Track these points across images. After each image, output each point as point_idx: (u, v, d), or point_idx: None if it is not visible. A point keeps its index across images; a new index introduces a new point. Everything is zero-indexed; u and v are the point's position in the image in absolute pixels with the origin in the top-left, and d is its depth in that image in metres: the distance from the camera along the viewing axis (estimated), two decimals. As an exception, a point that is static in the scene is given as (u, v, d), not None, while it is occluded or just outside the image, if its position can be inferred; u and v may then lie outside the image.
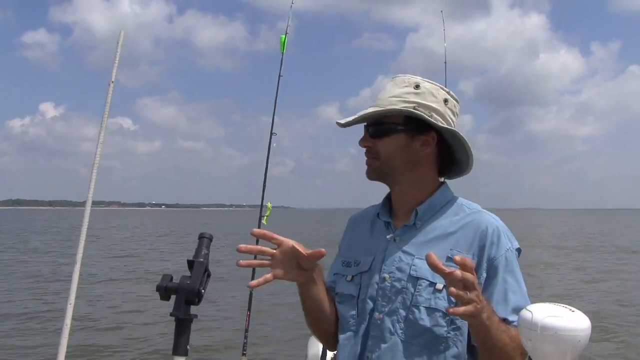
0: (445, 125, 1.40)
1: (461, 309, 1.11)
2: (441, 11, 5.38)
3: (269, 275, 1.34)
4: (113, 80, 1.19)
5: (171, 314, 1.18)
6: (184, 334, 1.18)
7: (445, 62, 4.94)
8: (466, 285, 1.10)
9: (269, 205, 3.74)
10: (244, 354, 3.62)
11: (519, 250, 1.40)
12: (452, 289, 1.10)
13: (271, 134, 3.98)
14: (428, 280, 1.33)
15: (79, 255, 1.09)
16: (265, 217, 3.72)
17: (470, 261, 1.12)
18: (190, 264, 1.23)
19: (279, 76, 4.05)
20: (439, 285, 1.31)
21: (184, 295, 1.18)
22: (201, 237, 1.27)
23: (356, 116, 1.43)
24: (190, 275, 1.21)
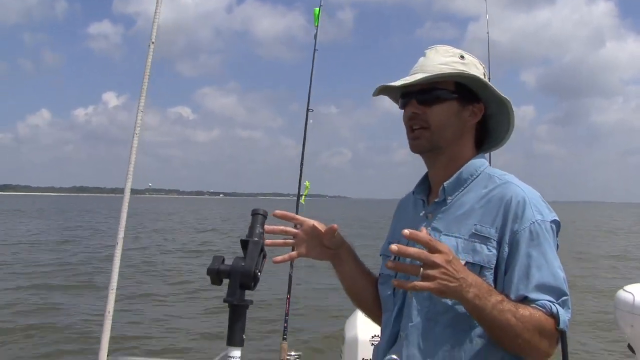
0: (501, 94, 1.36)
1: (409, 283, 1.11)
2: None
3: (293, 253, 1.46)
4: (153, 40, 1.07)
5: (225, 300, 1.05)
6: (238, 322, 1.05)
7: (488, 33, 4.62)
8: (425, 262, 1.10)
9: (307, 184, 3.66)
10: (284, 339, 3.49)
11: (555, 223, 1.30)
12: (388, 262, 1.14)
13: (307, 110, 3.81)
14: None
15: (120, 242, 0.98)
16: (303, 197, 3.63)
17: (424, 235, 1.12)
18: (244, 244, 1.09)
19: (314, 50, 3.88)
20: (461, 262, 1.24)
21: (238, 278, 1.05)
22: (255, 213, 1.13)
23: (412, 80, 1.33)
24: (244, 256, 1.08)
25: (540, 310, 1.21)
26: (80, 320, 8.46)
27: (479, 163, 1.41)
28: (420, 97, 1.37)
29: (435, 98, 1.35)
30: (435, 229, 1.36)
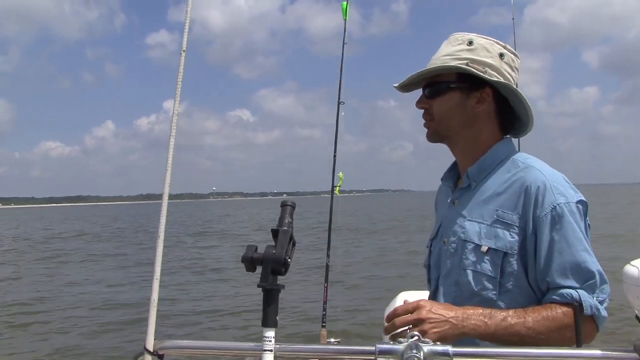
0: (500, 79, 1.35)
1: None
2: None
3: None
4: (184, 49, 1.16)
5: (258, 285, 1.14)
6: (272, 305, 1.13)
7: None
8: (411, 323, 1.20)
9: (341, 175, 3.74)
10: (323, 326, 3.57)
11: (581, 203, 1.28)
12: (386, 325, 1.24)
13: (339, 103, 3.85)
14: (474, 243, 1.31)
15: (161, 234, 1.09)
16: (337, 187, 3.71)
17: (391, 311, 1.22)
18: (275, 232, 1.18)
19: (343, 43, 3.91)
20: (484, 248, 1.28)
21: (270, 265, 1.13)
22: (284, 205, 1.21)
23: (408, 77, 1.41)
24: (274, 244, 1.16)
25: (556, 305, 1.20)
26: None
27: (504, 148, 1.41)
28: (426, 91, 1.42)
29: (437, 91, 1.39)
30: (461, 215, 1.38)
